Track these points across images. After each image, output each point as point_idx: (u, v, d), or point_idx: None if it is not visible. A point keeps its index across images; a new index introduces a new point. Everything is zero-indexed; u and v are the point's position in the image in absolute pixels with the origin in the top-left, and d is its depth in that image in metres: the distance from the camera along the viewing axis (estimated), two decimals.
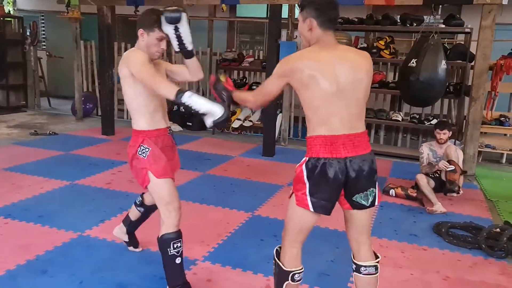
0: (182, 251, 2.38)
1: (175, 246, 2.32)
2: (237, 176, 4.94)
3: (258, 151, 6.14)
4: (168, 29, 2.24)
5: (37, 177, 4.47)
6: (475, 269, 3.04)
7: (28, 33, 8.68)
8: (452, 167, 4.15)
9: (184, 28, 2.26)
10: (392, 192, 4.43)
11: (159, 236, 2.36)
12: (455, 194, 4.29)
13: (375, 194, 2.06)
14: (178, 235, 2.35)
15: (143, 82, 2.22)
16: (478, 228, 3.51)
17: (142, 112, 2.37)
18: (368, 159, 2.03)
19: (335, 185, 1.96)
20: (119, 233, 2.97)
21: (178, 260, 2.35)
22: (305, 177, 1.97)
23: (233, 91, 2.27)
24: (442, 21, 5.93)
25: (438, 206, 4.02)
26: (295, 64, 1.96)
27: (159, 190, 2.36)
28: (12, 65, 8.41)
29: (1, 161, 4.97)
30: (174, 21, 2.22)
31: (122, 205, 3.80)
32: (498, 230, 3.40)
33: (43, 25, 10.52)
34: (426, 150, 4.47)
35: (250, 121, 7.35)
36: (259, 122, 7.25)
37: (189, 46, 2.32)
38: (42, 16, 10.48)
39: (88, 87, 8.47)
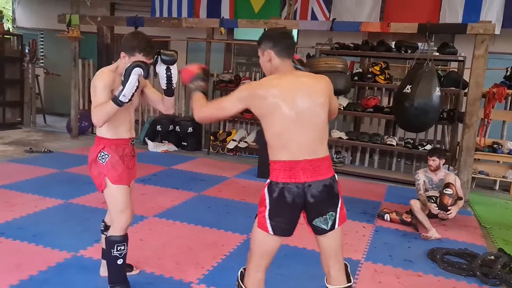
0: (125, 253, 2.55)
1: (118, 249, 2.51)
2: (232, 197, 4.94)
3: (253, 172, 6.15)
4: (162, 68, 2.49)
5: (32, 195, 4.44)
6: None
7: (27, 51, 8.73)
8: (450, 191, 4.13)
9: (175, 69, 2.53)
10: (386, 217, 4.44)
11: (107, 236, 2.56)
12: (446, 215, 4.24)
13: (335, 218, 2.08)
14: (123, 239, 2.53)
15: (92, 103, 2.42)
16: (473, 255, 3.52)
17: (107, 122, 2.45)
18: (328, 184, 2.05)
19: (293, 209, 2.02)
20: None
21: (119, 261, 2.53)
22: (267, 200, 2.03)
23: (199, 91, 2.28)
24: (436, 48, 6.06)
25: (433, 232, 4.04)
26: (257, 91, 2.03)
27: (114, 195, 2.51)
28: (10, 82, 8.43)
29: None
30: (170, 63, 2.48)
31: None
32: (492, 257, 3.42)
33: (42, 43, 10.60)
34: (422, 177, 4.46)
35: (245, 142, 7.38)
36: (254, 144, 7.29)
37: (174, 85, 2.57)
38: (42, 34, 10.57)
39: (85, 105, 8.48)
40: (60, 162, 5.94)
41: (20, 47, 8.68)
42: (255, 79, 7.70)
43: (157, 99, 2.70)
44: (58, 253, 3.18)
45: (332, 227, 2.08)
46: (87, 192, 4.67)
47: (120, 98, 2.29)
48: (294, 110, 2.00)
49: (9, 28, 10.67)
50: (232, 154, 7.45)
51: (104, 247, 2.71)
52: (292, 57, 2.17)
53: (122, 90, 2.29)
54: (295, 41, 2.10)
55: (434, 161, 4.41)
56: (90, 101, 8.68)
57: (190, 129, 7.50)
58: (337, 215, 2.09)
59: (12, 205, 4.13)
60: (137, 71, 2.28)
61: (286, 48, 2.12)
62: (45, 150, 6.62)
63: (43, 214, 3.99)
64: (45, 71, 10.09)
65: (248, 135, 7.59)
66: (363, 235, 4.03)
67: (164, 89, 2.57)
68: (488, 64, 5.57)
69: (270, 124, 2.03)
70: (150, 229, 3.81)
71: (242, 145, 7.37)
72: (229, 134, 7.64)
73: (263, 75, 2.17)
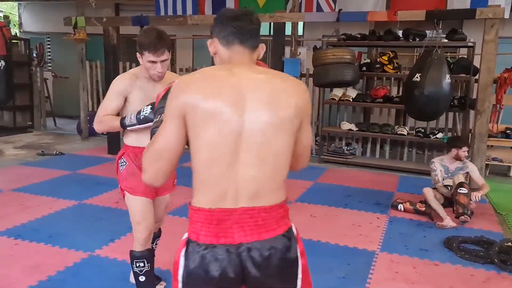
0: (147, 271, 2.40)
1: (137, 265, 2.39)
2: None
3: None
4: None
5: (45, 197, 4.48)
6: (489, 284, 3.01)
7: (34, 55, 8.79)
8: (465, 190, 4.07)
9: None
10: (400, 207, 4.41)
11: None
12: (468, 219, 4.08)
13: None
14: (142, 255, 2.39)
15: (101, 104, 2.37)
16: (490, 243, 3.48)
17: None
18: (281, 244, 1.32)
19: None
20: None
21: (141, 278, 2.41)
22: (180, 271, 1.32)
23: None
24: (444, 35, 5.99)
25: (448, 221, 3.99)
26: (184, 96, 1.29)
27: (129, 206, 2.41)
28: (19, 87, 8.46)
29: (9, 182, 4.99)
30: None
31: (130, 224, 3.78)
32: (510, 244, 3.38)
33: (49, 46, 10.67)
34: (438, 167, 4.33)
35: None
36: None
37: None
38: (48, 37, 10.63)
39: (94, 107, 8.53)
40: (72, 164, 5.98)
41: (27, 51, 8.74)
42: None
43: None
44: (75, 253, 3.21)
45: None
46: (100, 192, 4.70)
47: (128, 127, 2.26)
48: (237, 126, 1.26)
49: (16, 33, 10.75)
50: None
51: None
52: (252, 44, 1.39)
53: (135, 124, 2.22)
54: (257, 22, 1.38)
55: (464, 152, 4.28)
56: (98, 102, 8.70)
57: None
58: None
59: (27, 207, 4.17)
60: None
61: (235, 33, 1.36)
62: (57, 152, 6.68)
63: (58, 216, 4.02)
64: (53, 74, 10.16)
65: None
66: (377, 226, 4.01)
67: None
68: (498, 49, 5.48)
69: (195, 147, 1.29)
70: (164, 227, 3.81)
71: None
72: None
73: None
